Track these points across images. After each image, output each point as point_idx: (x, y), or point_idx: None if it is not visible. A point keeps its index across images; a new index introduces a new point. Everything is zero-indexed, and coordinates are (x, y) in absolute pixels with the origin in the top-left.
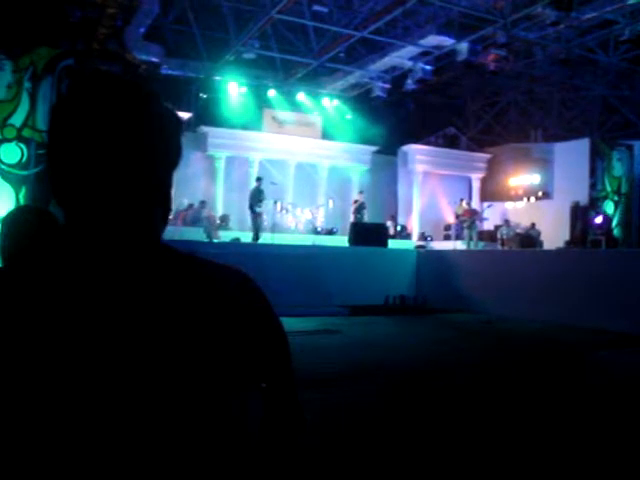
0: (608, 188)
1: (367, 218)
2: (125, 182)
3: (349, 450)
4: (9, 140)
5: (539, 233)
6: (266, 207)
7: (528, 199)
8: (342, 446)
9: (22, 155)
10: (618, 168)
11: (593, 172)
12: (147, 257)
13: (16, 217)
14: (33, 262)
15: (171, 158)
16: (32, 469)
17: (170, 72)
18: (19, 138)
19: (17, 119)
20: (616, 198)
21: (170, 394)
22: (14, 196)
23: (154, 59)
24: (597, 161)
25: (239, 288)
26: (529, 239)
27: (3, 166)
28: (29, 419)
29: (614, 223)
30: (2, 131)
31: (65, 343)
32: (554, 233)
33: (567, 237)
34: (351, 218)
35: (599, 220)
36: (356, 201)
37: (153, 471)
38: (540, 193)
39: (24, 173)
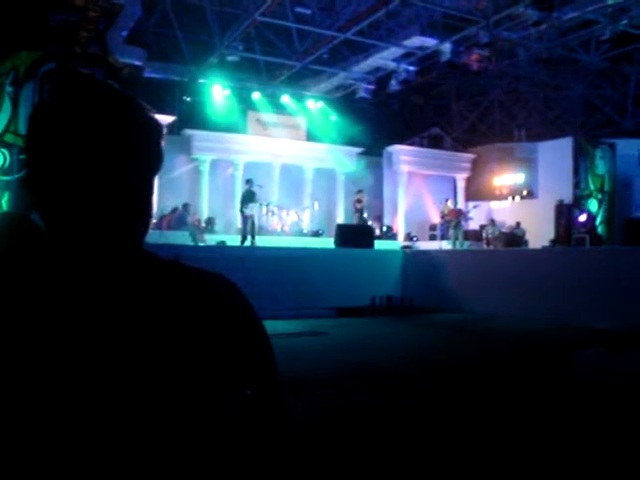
0: (591, 186)
1: (366, 217)
2: (104, 188)
3: (335, 453)
4: None
5: (524, 232)
6: (252, 209)
7: (513, 198)
8: (329, 449)
9: (4, 160)
10: (601, 166)
11: (577, 171)
12: (128, 263)
13: None
14: (11, 269)
15: (151, 164)
16: (17, 471)
17: (153, 75)
18: (1, 143)
19: None
20: (599, 196)
21: (147, 401)
22: None
23: (137, 62)
24: (580, 160)
25: (221, 294)
26: (514, 238)
27: None
28: (11, 423)
29: (598, 221)
30: None
31: (44, 349)
32: (539, 232)
33: (552, 235)
34: (355, 217)
35: (583, 218)
36: (359, 200)
37: (132, 472)
38: (525, 192)
39: (7, 179)
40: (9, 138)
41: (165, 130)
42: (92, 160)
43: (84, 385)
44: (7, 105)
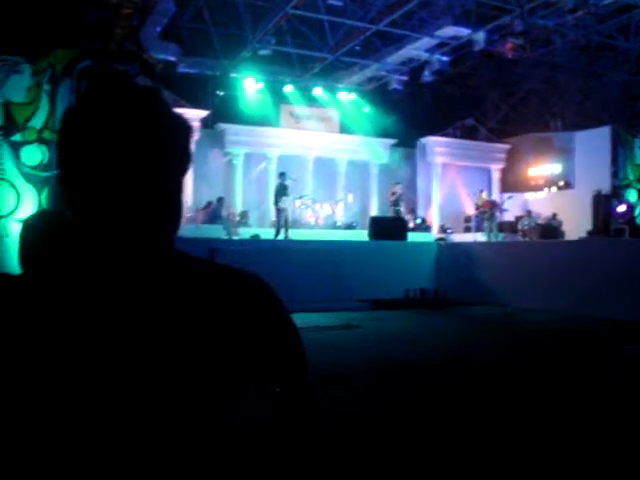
0: (630, 176)
1: (403, 209)
2: (134, 187)
3: (371, 446)
4: (30, 142)
5: (560, 223)
6: (285, 202)
7: (549, 189)
8: (364, 441)
9: (43, 157)
10: None
11: (615, 160)
12: (158, 262)
13: (34, 222)
14: (47, 269)
15: (181, 163)
16: (39, 468)
17: (187, 70)
18: (40, 140)
19: (37, 121)
20: (639, 186)
21: (179, 399)
22: (37, 197)
23: (171, 58)
24: (619, 149)
25: (251, 292)
26: (550, 229)
27: (25, 168)
28: (40, 419)
29: (637, 211)
30: (23, 133)
31: (76, 349)
32: (576, 223)
33: (589, 227)
34: (390, 210)
35: (622, 209)
36: (394, 193)
37: (164, 472)
38: (561, 183)
39: (45, 174)
40: (47, 135)
41: (198, 125)
42: (122, 160)
43: (111, 383)
44: (45, 102)
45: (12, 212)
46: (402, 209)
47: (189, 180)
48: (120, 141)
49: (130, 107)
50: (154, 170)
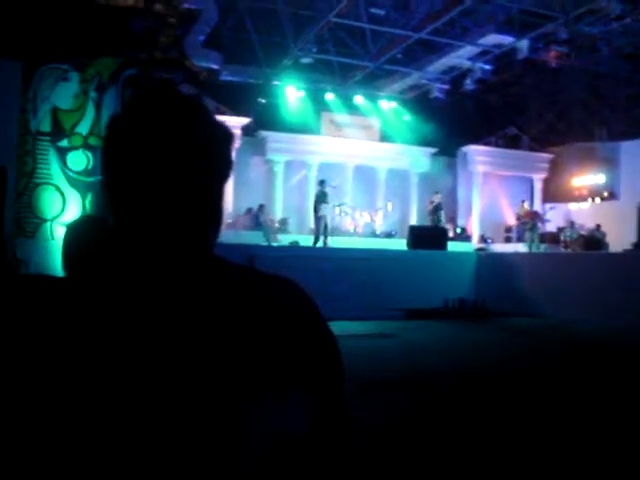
0: None
1: (444, 219)
2: (177, 194)
3: (408, 455)
4: (76, 148)
5: (604, 235)
6: (324, 210)
7: (593, 200)
8: (401, 451)
9: (88, 162)
10: None
11: None
12: (198, 269)
13: (77, 227)
14: (89, 273)
15: (222, 171)
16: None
17: (229, 78)
18: (85, 146)
19: (83, 128)
20: None
21: (216, 407)
22: (81, 202)
23: (214, 66)
24: None
25: (290, 300)
26: (594, 241)
27: (71, 173)
28: (79, 421)
29: None
30: (69, 139)
31: (114, 355)
32: (621, 235)
33: (634, 239)
34: (428, 220)
35: None
36: (432, 202)
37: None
38: (605, 193)
39: (90, 180)
40: (92, 141)
41: (240, 132)
42: (164, 167)
43: (150, 390)
44: (91, 110)
45: (57, 216)
46: (443, 218)
47: (230, 187)
48: (163, 148)
49: (173, 114)
50: (196, 177)
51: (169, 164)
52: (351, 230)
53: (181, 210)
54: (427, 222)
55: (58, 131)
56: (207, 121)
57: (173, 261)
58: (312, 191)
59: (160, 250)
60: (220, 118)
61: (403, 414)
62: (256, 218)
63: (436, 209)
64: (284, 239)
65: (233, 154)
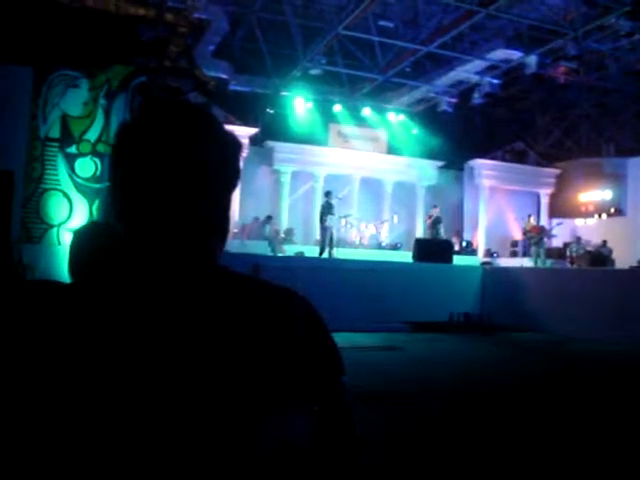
0: None
1: (443, 233)
2: (184, 202)
3: (407, 467)
4: (84, 154)
5: (611, 251)
6: (330, 221)
7: (599, 216)
8: (404, 464)
9: (96, 169)
10: None
11: None
12: (203, 278)
13: (84, 233)
14: (95, 280)
15: (229, 180)
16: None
17: (238, 88)
18: (94, 153)
19: (92, 134)
20: None
21: (218, 414)
22: (88, 208)
23: (223, 75)
24: None
25: (293, 310)
26: (600, 257)
27: (79, 179)
28: (82, 424)
29: None
30: (78, 146)
31: (121, 360)
32: (627, 251)
33: None
34: (427, 234)
35: None
36: (431, 216)
37: None
38: (612, 210)
39: (97, 186)
40: (101, 148)
41: (248, 142)
42: (172, 175)
43: (154, 398)
44: (100, 116)
45: (64, 222)
46: (442, 232)
47: (236, 196)
48: (171, 156)
49: (181, 124)
50: (203, 185)
51: (177, 173)
52: (357, 242)
53: (188, 219)
54: (427, 236)
55: (67, 137)
56: (216, 130)
57: (179, 269)
58: (318, 202)
59: (166, 258)
60: (228, 127)
61: (406, 427)
62: (262, 228)
63: (435, 223)
64: (290, 250)
65: (241, 164)
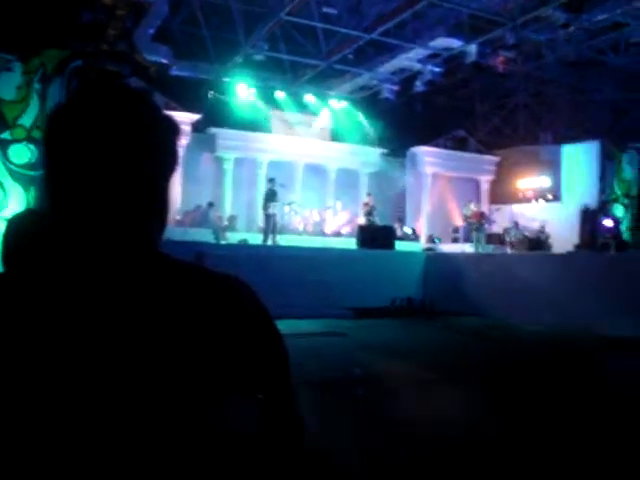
0: (618, 191)
1: (378, 220)
2: (119, 188)
3: (351, 453)
4: (19, 141)
5: (548, 236)
6: (274, 208)
7: (537, 202)
8: (346, 448)
9: (31, 156)
10: (628, 171)
11: (603, 175)
12: (141, 264)
13: (20, 221)
14: (28, 268)
15: (167, 163)
16: (24, 470)
17: (179, 73)
18: (28, 139)
19: (27, 120)
20: (626, 201)
21: (156, 404)
22: (24, 196)
23: (163, 60)
24: (607, 164)
25: (234, 297)
26: (538, 242)
27: (13, 167)
28: (21, 422)
29: (624, 226)
30: (12, 132)
31: (54, 350)
32: (563, 236)
33: (576, 240)
34: (361, 221)
35: (609, 223)
36: (366, 204)
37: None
38: (549, 196)
39: (33, 173)
40: (36, 134)
41: (189, 128)
42: (107, 160)
43: (89, 387)
44: (35, 102)
45: None
46: (376, 220)
47: (178, 183)
48: (104, 140)
49: (116, 106)
50: (139, 171)
51: (111, 157)
52: (300, 229)
53: (123, 204)
54: (359, 222)
55: (0, 123)
56: (151, 113)
57: (114, 256)
58: (262, 189)
59: (101, 245)
60: (170, 113)
61: (349, 412)
62: (205, 215)
63: (370, 211)
64: (233, 237)
65: (182, 150)
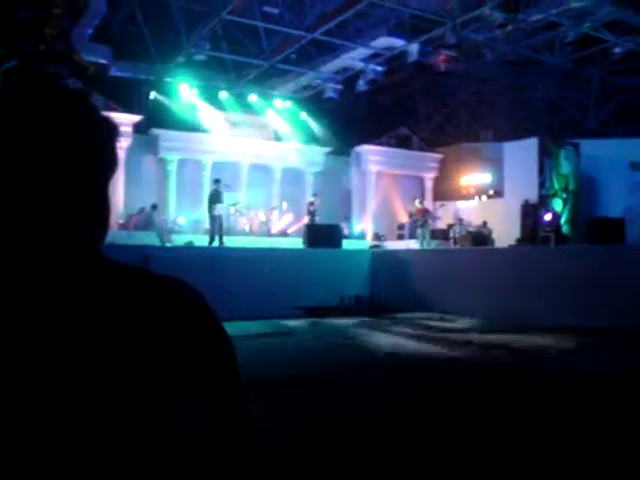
0: (556, 186)
1: (318, 220)
2: (56, 190)
3: (305, 451)
4: None
5: (490, 231)
6: (219, 209)
7: (480, 198)
8: (299, 447)
9: None
10: (565, 166)
11: (542, 171)
12: (82, 268)
13: None
14: None
15: (106, 165)
16: None
17: (119, 74)
18: None
19: None
20: (564, 195)
21: (100, 408)
22: None
23: (102, 60)
24: (545, 160)
25: (180, 299)
26: (481, 237)
27: None
28: None
29: (563, 220)
30: None
31: None
32: (505, 231)
33: (518, 234)
34: (305, 220)
35: (548, 217)
36: (312, 203)
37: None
38: (491, 192)
39: None
40: None
41: (131, 129)
42: (43, 162)
43: (32, 393)
44: None
45: None
46: (317, 219)
47: (121, 186)
48: (39, 142)
49: (52, 108)
50: (77, 174)
51: (47, 159)
52: (246, 229)
53: (61, 207)
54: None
55: None
56: (88, 114)
57: (53, 261)
58: (206, 190)
59: (38, 250)
60: (110, 115)
61: (299, 411)
62: (149, 218)
63: (313, 211)
64: (179, 239)
65: (123, 152)
